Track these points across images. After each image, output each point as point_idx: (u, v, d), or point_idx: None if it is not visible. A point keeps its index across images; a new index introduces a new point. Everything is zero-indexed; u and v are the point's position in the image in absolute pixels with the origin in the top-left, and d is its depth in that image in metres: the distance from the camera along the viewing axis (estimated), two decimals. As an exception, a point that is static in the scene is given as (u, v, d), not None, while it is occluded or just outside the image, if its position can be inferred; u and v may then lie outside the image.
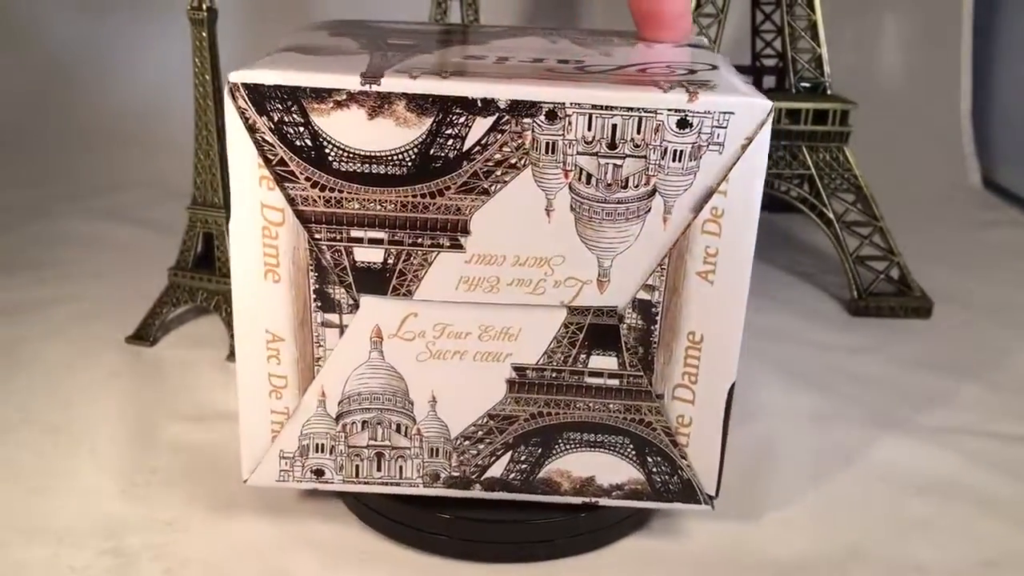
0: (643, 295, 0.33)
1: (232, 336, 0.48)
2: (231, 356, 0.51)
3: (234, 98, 0.31)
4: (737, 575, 0.37)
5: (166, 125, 0.86)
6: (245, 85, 0.31)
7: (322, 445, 0.36)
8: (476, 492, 0.37)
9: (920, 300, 0.62)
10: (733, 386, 0.35)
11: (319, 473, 0.36)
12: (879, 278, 0.63)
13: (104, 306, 0.59)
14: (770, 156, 0.65)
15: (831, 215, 0.65)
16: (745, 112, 0.31)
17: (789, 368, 0.53)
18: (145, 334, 0.54)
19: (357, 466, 0.36)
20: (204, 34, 0.49)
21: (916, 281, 0.63)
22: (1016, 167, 0.91)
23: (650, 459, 0.36)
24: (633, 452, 0.36)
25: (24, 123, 0.89)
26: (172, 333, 0.56)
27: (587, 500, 0.37)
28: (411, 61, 0.33)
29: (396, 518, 0.38)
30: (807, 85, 0.67)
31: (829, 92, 0.66)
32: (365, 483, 0.37)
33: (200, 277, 0.54)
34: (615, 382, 0.35)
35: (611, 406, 0.35)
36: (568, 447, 0.36)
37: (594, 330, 0.34)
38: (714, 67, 0.35)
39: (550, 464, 0.36)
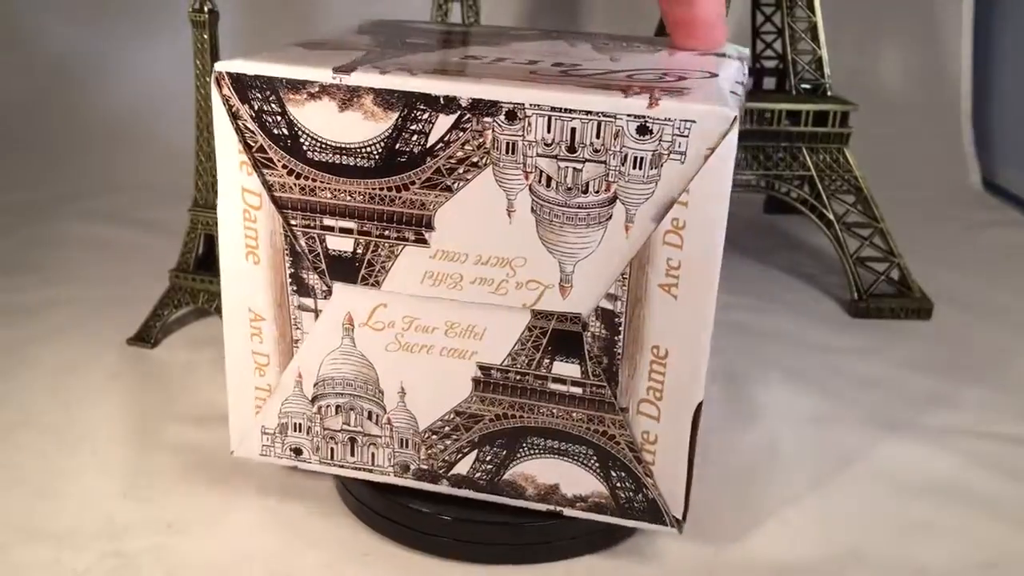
0: (606, 304, 0.33)
1: None
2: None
3: (219, 86, 0.33)
4: None
5: (167, 127, 0.86)
6: (229, 74, 0.33)
7: (299, 425, 0.37)
8: (444, 487, 0.37)
9: (920, 301, 0.62)
10: (701, 405, 0.33)
11: (297, 452, 0.38)
12: (879, 279, 0.62)
13: (105, 308, 0.58)
14: (770, 157, 0.64)
15: (831, 216, 0.65)
16: (707, 121, 0.30)
17: (789, 369, 0.53)
18: (146, 336, 0.54)
19: (332, 448, 0.37)
20: (205, 36, 0.49)
21: (916, 282, 0.63)
22: (1016, 168, 0.91)
23: (614, 473, 0.35)
24: (597, 464, 0.35)
25: (25, 125, 0.89)
26: (173, 335, 0.55)
27: (551, 508, 0.36)
28: (402, 59, 0.34)
29: (397, 519, 0.38)
30: (807, 87, 0.67)
31: (829, 93, 0.66)
32: (340, 466, 0.38)
33: (201, 279, 0.54)
34: (578, 390, 0.34)
35: (574, 415, 0.34)
36: (532, 452, 0.36)
37: (558, 336, 0.34)
38: (712, 75, 0.34)
39: (515, 467, 0.36)
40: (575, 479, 0.35)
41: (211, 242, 0.55)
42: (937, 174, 0.91)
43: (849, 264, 0.63)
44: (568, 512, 0.36)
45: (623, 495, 0.35)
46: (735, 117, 0.30)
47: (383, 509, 0.38)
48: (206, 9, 0.49)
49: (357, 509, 0.39)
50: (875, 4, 0.95)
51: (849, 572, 0.38)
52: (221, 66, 0.33)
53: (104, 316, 0.57)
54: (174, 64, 0.84)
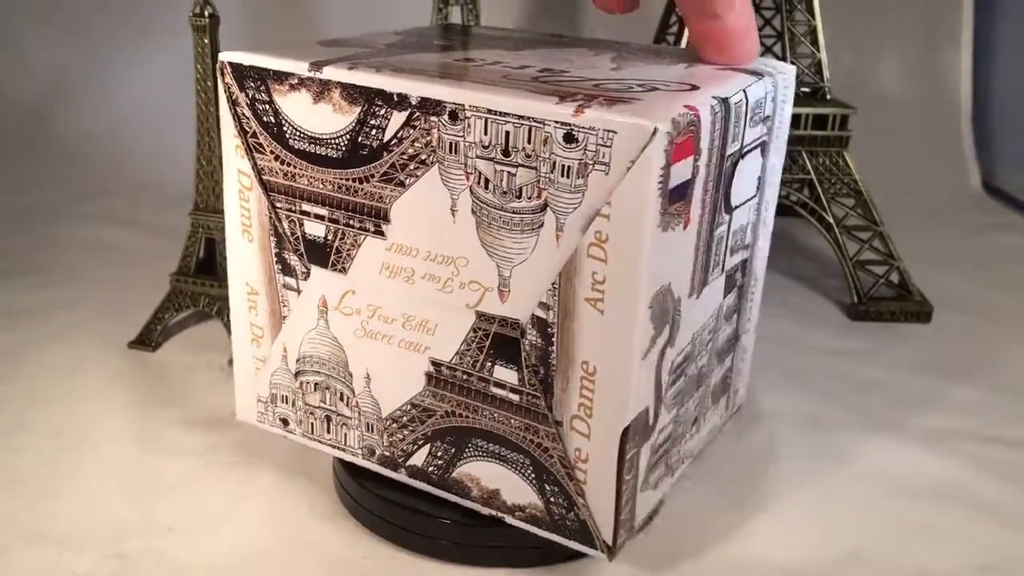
0: (540, 313, 0.32)
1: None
2: (233, 361, 0.50)
3: (222, 75, 0.36)
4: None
5: (168, 130, 0.86)
6: (230, 64, 0.36)
7: (285, 397, 0.40)
8: (403, 476, 0.38)
9: (920, 304, 0.62)
10: (628, 430, 0.32)
11: (285, 422, 0.40)
12: (879, 282, 0.63)
13: (106, 311, 0.58)
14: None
15: (831, 219, 0.65)
16: (627, 132, 0.29)
17: (789, 372, 0.52)
18: (147, 339, 0.54)
19: (312, 424, 0.39)
20: (206, 40, 0.50)
21: (916, 285, 0.63)
22: (1016, 171, 0.91)
23: (547, 487, 0.34)
24: (533, 476, 0.34)
25: (27, 128, 0.89)
26: (174, 338, 0.55)
27: (494, 513, 0.36)
28: (392, 58, 0.36)
29: (397, 523, 0.38)
30: (807, 90, 0.65)
31: (829, 97, 0.65)
32: (318, 442, 0.39)
33: (202, 282, 0.54)
34: (516, 398, 0.34)
35: (512, 422, 0.34)
36: (477, 454, 0.36)
37: (499, 340, 0.33)
38: (692, 88, 0.33)
39: (462, 466, 0.36)
40: (514, 487, 0.35)
41: (212, 246, 0.55)
42: (937, 177, 0.91)
43: (849, 267, 0.63)
44: (509, 520, 0.36)
45: (556, 511, 0.34)
46: (655, 130, 0.28)
47: (382, 512, 0.38)
48: (207, 14, 0.50)
49: (356, 511, 0.40)
50: (874, 7, 0.94)
51: (849, 575, 0.38)
52: (224, 56, 0.36)
53: (105, 319, 0.57)
54: (175, 68, 0.84)
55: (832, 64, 0.66)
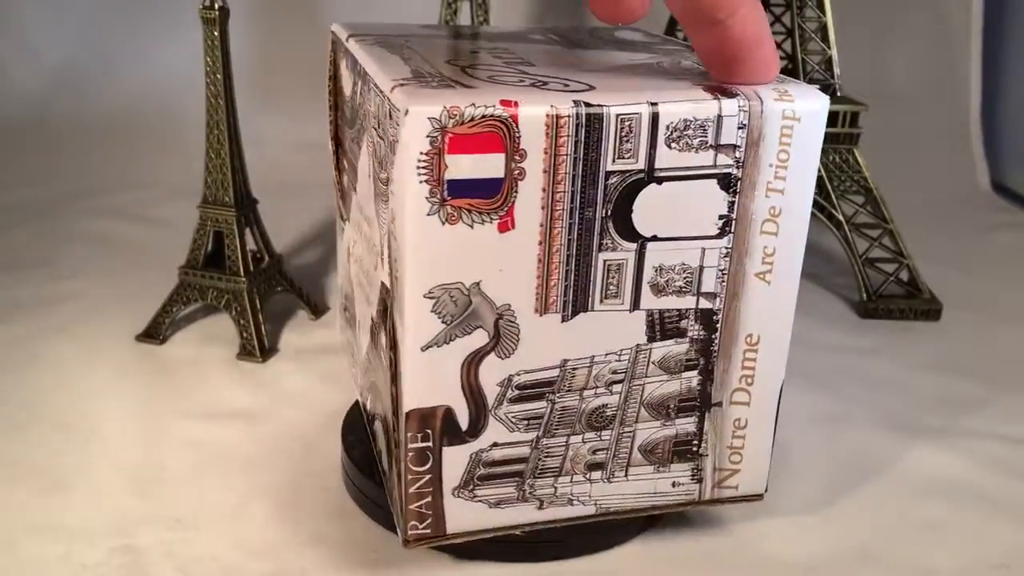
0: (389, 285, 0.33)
1: (241, 336, 0.53)
2: (241, 354, 0.53)
3: (330, 44, 0.42)
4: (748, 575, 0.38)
5: (177, 123, 0.84)
6: (333, 34, 0.42)
7: (343, 327, 0.45)
8: (367, 422, 0.41)
9: (929, 302, 0.62)
10: (409, 417, 0.31)
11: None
12: (888, 280, 0.63)
13: (114, 304, 0.58)
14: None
15: (840, 217, 0.65)
16: (402, 109, 0.28)
17: (798, 370, 0.50)
18: (155, 332, 0.54)
19: (350, 356, 0.44)
20: (216, 33, 0.50)
21: (925, 283, 0.63)
22: None
23: (393, 467, 0.34)
24: (386, 447, 0.35)
25: (35, 121, 0.88)
26: (182, 331, 0.55)
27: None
28: (414, 41, 0.38)
29: None
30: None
31: (839, 94, 0.66)
32: (353, 376, 0.44)
33: (210, 276, 0.54)
34: (386, 363, 0.35)
35: (392, 391, 0.35)
36: (378, 413, 0.37)
37: (383, 309, 0.35)
38: (588, 88, 0.30)
39: (375, 423, 0.38)
40: (383, 455, 0.36)
41: (220, 239, 0.55)
42: (946, 176, 0.91)
43: (858, 265, 0.63)
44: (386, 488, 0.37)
45: (390, 487, 0.35)
46: (407, 111, 0.27)
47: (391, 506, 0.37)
48: (216, 6, 0.50)
49: (365, 505, 0.40)
50: (885, 5, 0.95)
51: (859, 572, 0.38)
52: (333, 28, 0.42)
53: (113, 312, 0.57)
54: (185, 60, 0.84)
55: (842, 61, 0.66)
